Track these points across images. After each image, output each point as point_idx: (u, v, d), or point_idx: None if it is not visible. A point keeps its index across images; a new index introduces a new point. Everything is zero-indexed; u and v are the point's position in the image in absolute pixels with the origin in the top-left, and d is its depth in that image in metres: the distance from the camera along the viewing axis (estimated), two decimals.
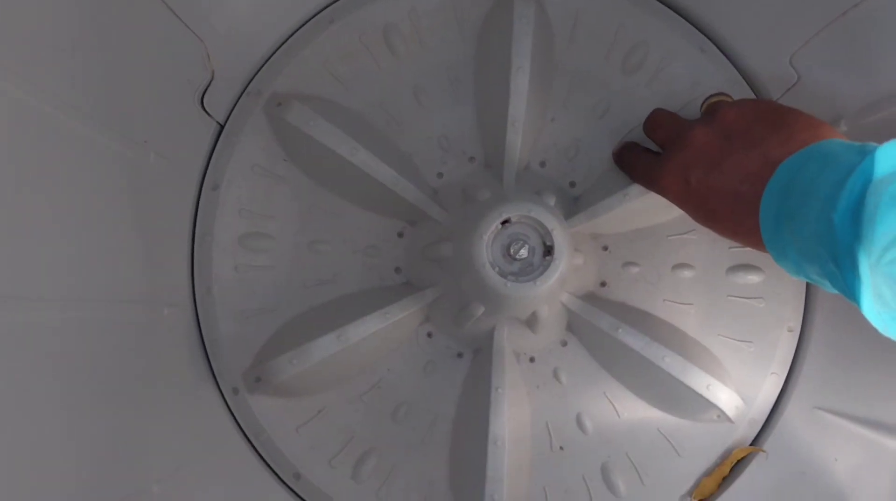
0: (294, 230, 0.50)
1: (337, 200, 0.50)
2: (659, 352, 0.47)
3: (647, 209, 0.49)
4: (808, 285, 0.52)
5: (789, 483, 0.49)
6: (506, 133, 0.47)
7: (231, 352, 0.49)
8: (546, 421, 0.50)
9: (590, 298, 0.50)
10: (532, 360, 0.51)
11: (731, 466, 0.50)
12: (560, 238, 0.43)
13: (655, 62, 0.51)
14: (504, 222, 0.43)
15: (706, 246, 0.51)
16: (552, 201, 0.47)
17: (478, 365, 0.50)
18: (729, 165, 0.38)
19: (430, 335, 0.51)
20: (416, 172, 0.50)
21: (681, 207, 0.42)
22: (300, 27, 0.51)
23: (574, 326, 0.50)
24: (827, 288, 0.33)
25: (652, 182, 0.44)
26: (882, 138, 0.31)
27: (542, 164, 0.51)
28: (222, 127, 0.49)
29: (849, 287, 0.30)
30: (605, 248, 0.51)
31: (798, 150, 0.35)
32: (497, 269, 0.43)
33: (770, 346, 0.51)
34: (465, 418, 0.49)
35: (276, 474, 0.49)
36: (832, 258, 0.30)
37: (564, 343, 0.51)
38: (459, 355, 0.51)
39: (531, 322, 0.47)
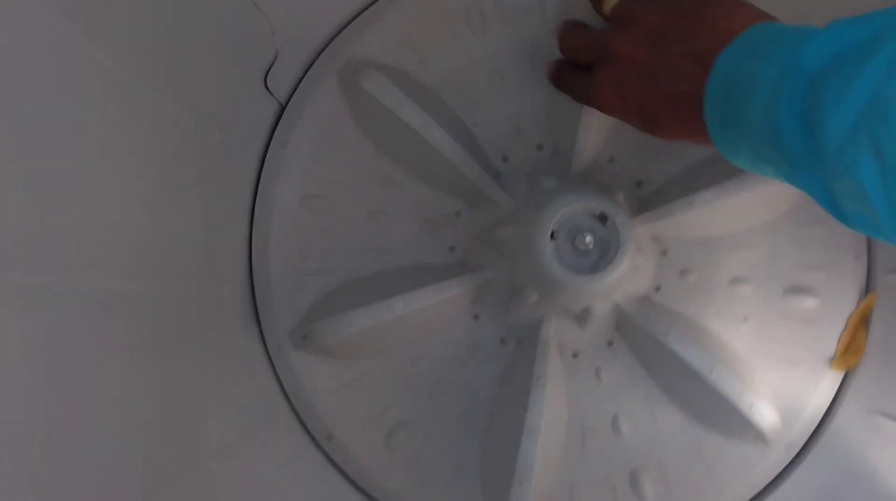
0: (355, 197, 0.50)
1: (401, 171, 0.50)
2: (707, 363, 0.46)
3: (711, 219, 0.48)
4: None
5: (840, 486, 0.48)
6: (579, 123, 0.47)
7: (281, 309, 0.49)
8: (581, 419, 0.50)
9: (643, 301, 0.49)
10: (575, 355, 0.50)
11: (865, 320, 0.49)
12: (626, 235, 0.42)
13: None
14: (572, 210, 0.43)
15: (767, 263, 0.50)
16: (621, 198, 0.47)
17: (521, 354, 0.49)
18: (660, 69, 0.36)
19: (476, 317, 0.51)
20: (482, 153, 0.50)
21: (624, 121, 0.41)
22: (365, 8, 0.50)
23: (623, 327, 0.49)
24: (788, 183, 0.32)
25: (589, 102, 0.43)
26: None
27: (611, 160, 0.51)
28: (284, 107, 0.49)
29: (808, 190, 0.29)
30: (665, 252, 0.50)
31: (725, 41, 0.33)
32: (559, 258, 0.42)
33: (817, 374, 0.50)
34: (502, 404, 0.49)
35: (309, 434, 0.50)
36: (786, 161, 0.29)
37: (610, 343, 0.50)
38: (503, 341, 0.51)
39: (582, 317, 0.47)
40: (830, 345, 0.50)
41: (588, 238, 0.43)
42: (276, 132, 0.50)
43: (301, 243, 0.50)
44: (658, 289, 0.50)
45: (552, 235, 0.43)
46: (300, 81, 0.50)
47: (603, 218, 0.43)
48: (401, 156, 0.50)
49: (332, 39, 0.50)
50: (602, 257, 0.43)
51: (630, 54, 0.38)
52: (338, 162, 0.50)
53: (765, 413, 0.47)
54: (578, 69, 0.44)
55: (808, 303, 0.50)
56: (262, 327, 0.50)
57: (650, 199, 0.50)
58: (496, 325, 0.50)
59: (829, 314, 0.50)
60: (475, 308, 0.51)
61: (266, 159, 0.50)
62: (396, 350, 0.50)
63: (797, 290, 0.50)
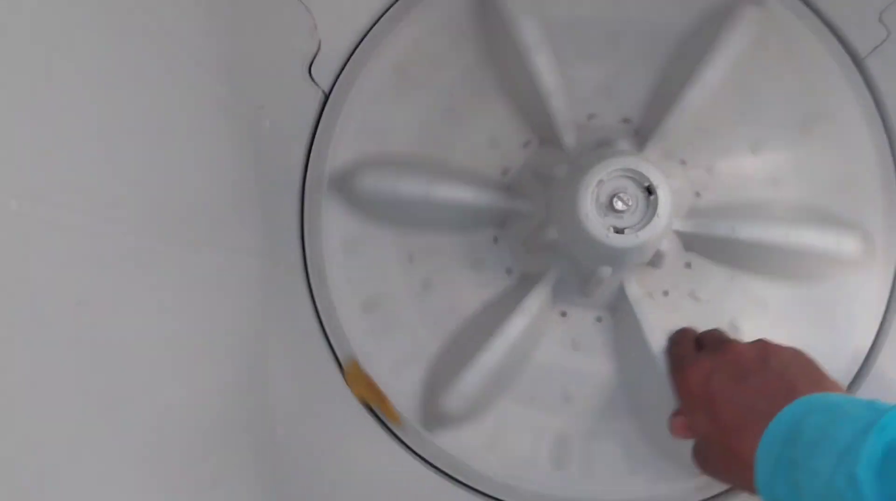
0: (440, 88, 0.52)
1: (494, 84, 0.52)
2: (779, 232, 0.48)
3: (702, 104, 0.50)
4: None
5: None
6: (549, 104, 0.49)
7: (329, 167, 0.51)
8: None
9: (694, 213, 0.51)
10: (666, 294, 0.52)
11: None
12: (654, 173, 0.43)
13: None
14: (598, 183, 0.44)
15: (773, 110, 0.52)
16: (624, 144, 0.49)
17: (622, 324, 0.51)
18: (754, 380, 0.40)
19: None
20: (573, 100, 0.51)
21: (687, 402, 0.44)
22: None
23: (692, 245, 0.51)
24: None
25: (679, 369, 0.45)
26: None
27: (590, 117, 0.53)
28: (327, 97, 0.52)
29: None
30: (683, 162, 0.52)
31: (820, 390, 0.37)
32: (612, 229, 0.44)
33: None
34: (479, 321, 0.51)
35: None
36: None
37: (689, 265, 0.52)
38: (508, 271, 0.52)
39: (655, 261, 0.49)
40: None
41: (628, 200, 0.44)
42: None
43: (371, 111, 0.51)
44: (698, 194, 0.52)
45: (598, 185, 0.44)
46: (330, 91, 0.52)
47: (649, 192, 0.44)
48: (500, 69, 0.51)
49: (375, 23, 0.52)
50: (632, 225, 0.44)
51: (740, 356, 0.42)
52: (437, 53, 0.51)
53: (852, 242, 0.49)
54: (692, 341, 0.47)
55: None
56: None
57: (644, 126, 0.51)
58: (509, 255, 0.52)
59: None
60: (498, 232, 0.52)
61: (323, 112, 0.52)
62: (412, 230, 0.51)
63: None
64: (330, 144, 0.51)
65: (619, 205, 0.44)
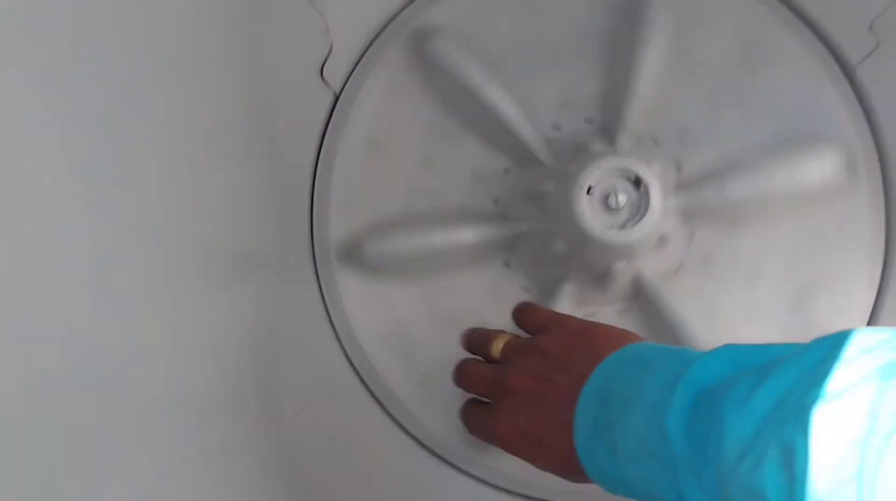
0: (413, 144, 0.54)
1: (457, 126, 0.54)
2: (763, 175, 0.52)
3: (655, 88, 0.51)
4: None
5: None
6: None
7: (334, 227, 0.54)
8: None
9: (681, 185, 0.52)
10: (678, 270, 0.54)
11: None
12: (638, 166, 0.46)
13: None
14: (589, 189, 0.46)
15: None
16: (598, 145, 0.50)
17: (646, 309, 0.53)
18: (550, 395, 0.37)
19: (507, 264, 0.55)
20: (534, 118, 0.53)
21: (518, 454, 0.40)
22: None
23: (691, 215, 0.52)
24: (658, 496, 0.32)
25: (488, 433, 0.42)
26: None
27: (556, 128, 0.54)
28: (338, 98, 0.54)
29: (691, 497, 0.29)
30: (655, 141, 0.53)
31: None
32: (591, 212, 0.46)
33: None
34: None
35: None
36: (666, 468, 0.30)
37: (693, 235, 0.53)
38: (527, 289, 0.55)
39: (661, 243, 0.51)
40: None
41: (621, 197, 0.46)
42: (347, 85, 0.53)
43: (359, 180, 0.54)
44: (679, 166, 0.54)
45: (588, 191, 0.46)
46: (340, 93, 0.54)
47: (637, 183, 0.46)
48: (459, 112, 0.54)
49: (385, 27, 0.54)
50: (631, 219, 0.47)
51: (523, 384, 0.39)
52: (400, 114, 0.54)
53: (832, 157, 0.53)
54: (477, 402, 0.45)
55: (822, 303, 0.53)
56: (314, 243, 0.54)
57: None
58: (524, 275, 0.55)
59: (841, 313, 0.53)
60: (508, 257, 0.55)
61: (334, 112, 0.54)
62: (425, 276, 0.54)
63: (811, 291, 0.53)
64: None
65: (613, 203, 0.47)
